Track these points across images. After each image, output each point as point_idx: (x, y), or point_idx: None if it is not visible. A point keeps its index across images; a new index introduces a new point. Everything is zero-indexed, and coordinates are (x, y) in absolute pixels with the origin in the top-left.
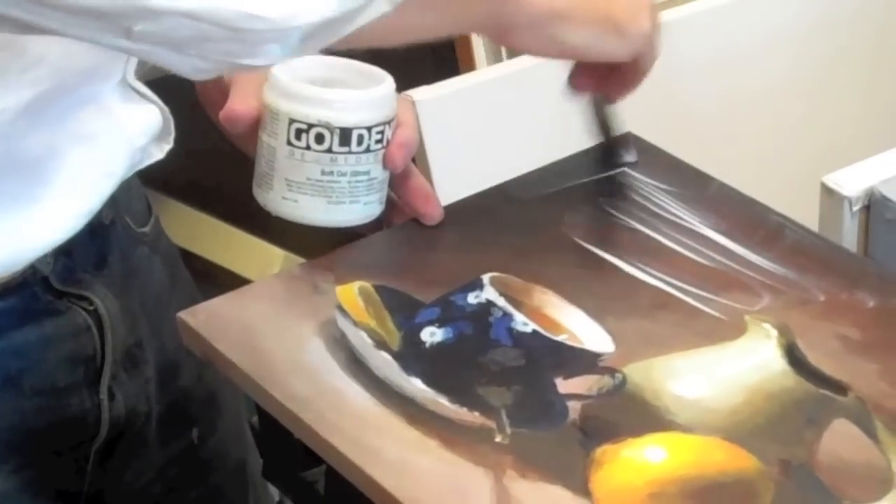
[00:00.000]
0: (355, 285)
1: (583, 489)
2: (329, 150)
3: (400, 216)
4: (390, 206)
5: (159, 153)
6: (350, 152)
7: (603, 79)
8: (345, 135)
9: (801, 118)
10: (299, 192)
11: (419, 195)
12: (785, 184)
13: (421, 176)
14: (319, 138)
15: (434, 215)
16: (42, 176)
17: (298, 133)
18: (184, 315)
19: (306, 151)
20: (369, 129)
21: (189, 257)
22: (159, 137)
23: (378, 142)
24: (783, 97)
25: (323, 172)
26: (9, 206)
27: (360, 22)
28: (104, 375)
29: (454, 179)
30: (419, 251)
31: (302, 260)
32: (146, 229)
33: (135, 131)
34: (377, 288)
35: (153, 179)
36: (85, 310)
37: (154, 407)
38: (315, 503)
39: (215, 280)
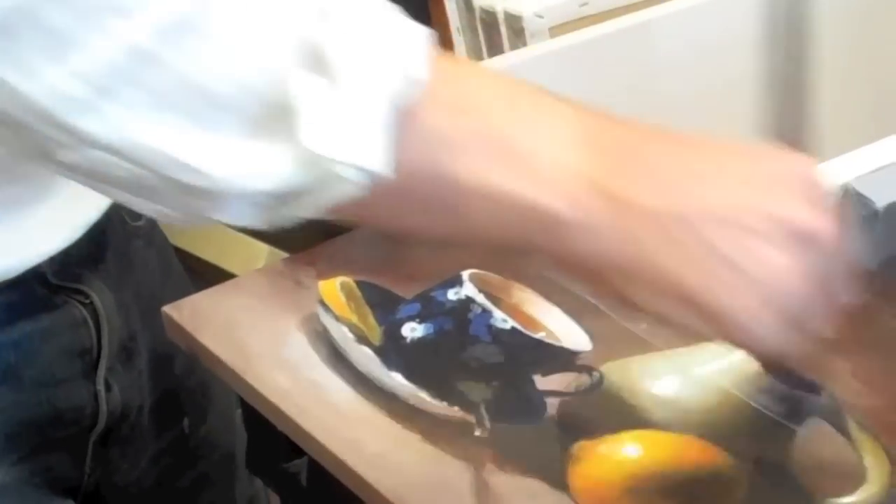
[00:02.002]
0: (337, 280)
1: (560, 482)
2: None
3: None
4: None
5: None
6: None
7: None
8: None
9: (775, 115)
10: None
11: None
12: None
13: None
14: None
15: None
16: (43, 188)
17: None
18: (168, 310)
19: None
20: None
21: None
22: None
23: None
24: (758, 94)
25: None
26: (12, 216)
27: (332, 198)
28: (101, 367)
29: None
30: (400, 247)
31: (286, 255)
32: (141, 223)
33: None
34: (359, 283)
35: None
36: (81, 303)
37: (147, 398)
38: (297, 494)
39: (200, 275)
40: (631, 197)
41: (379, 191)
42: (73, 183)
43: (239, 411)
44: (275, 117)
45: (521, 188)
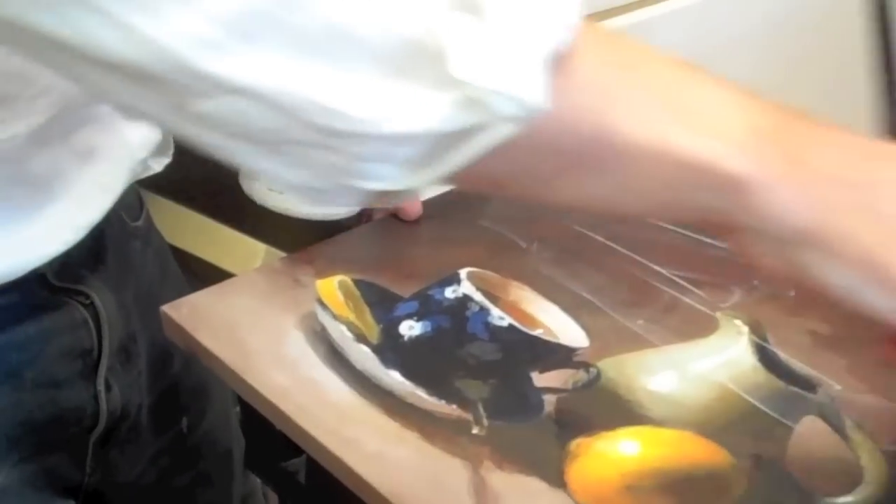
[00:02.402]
0: (335, 279)
1: (558, 481)
2: None
3: (379, 211)
4: None
5: (158, 166)
6: None
7: None
8: None
9: None
10: None
11: None
12: None
13: None
14: None
15: (412, 211)
16: (45, 191)
17: None
18: (167, 309)
19: None
20: None
21: (172, 251)
22: (159, 151)
23: None
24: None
25: None
26: (14, 219)
27: (481, 144)
28: (101, 368)
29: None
30: (398, 246)
31: (283, 254)
32: (139, 223)
33: (135, 146)
34: (356, 282)
35: None
36: (82, 304)
37: (146, 398)
38: (296, 493)
39: (198, 274)
40: (814, 157)
41: (533, 139)
42: (75, 185)
43: (237, 410)
44: (424, 59)
45: (697, 145)
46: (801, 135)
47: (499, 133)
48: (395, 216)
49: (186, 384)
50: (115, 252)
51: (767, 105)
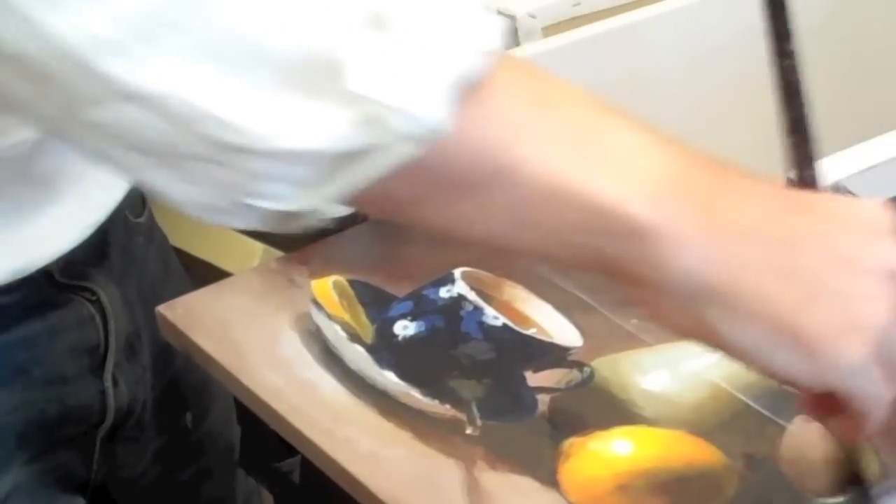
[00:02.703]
0: (330, 279)
1: (551, 480)
2: None
3: None
4: None
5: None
6: None
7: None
8: None
9: (768, 115)
10: None
11: None
12: None
13: None
14: None
15: None
16: (51, 191)
17: None
18: (162, 309)
19: None
20: None
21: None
22: None
23: None
24: (751, 95)
25: None
26: (20, 218)
27: (378, 165)
28: (108, 364)
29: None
30: (392, 246)
31: (280, 254)
32: (142, 219)
33: None
34: (351, 282)
35: None
36: (88, 300)
37: (150, 394)
38: (290, 493)
39: (195, 273)
40: (723, 209)
41: (434, 165)
42: (81, 184)
43: (238, 411)
44: (324, 74)
45: (604, 187)
46: (716, 185)
47: (397, 154)
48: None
49: (189, 380)
50: (118, 248)
51: (684, 152)
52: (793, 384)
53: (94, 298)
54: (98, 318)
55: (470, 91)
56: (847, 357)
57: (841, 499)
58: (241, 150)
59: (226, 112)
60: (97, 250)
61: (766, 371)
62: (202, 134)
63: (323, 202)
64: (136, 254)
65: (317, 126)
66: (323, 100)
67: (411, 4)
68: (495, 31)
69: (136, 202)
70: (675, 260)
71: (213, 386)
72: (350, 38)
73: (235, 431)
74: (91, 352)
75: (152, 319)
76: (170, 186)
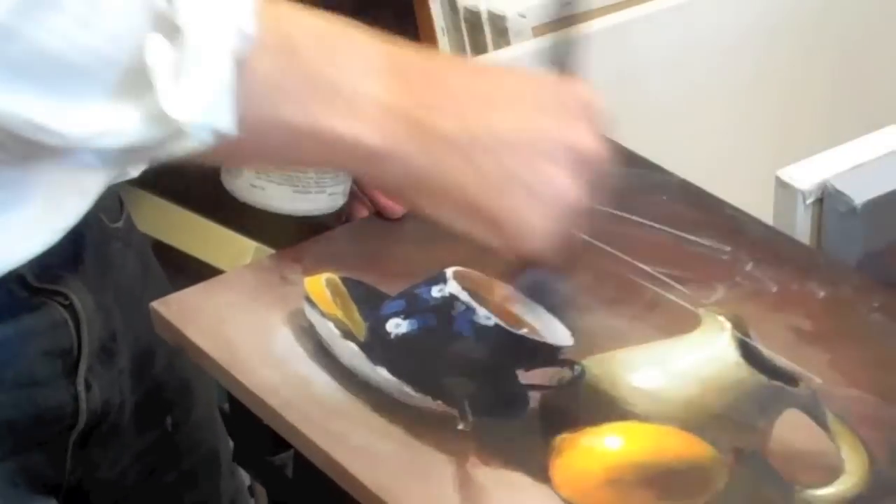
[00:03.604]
0: (323, 277)
1: (543, 475)
2: None
3: (361, 209)
4: (352, 198)
5: (134, 171)
6: None
7: None
8: None
9: (755, 116)
10: (267, 179)
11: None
12: (741, 179)
13: None
14: None
15: (396, 209)
16: (21, 195)
17: None
18: (156, 305)
19: None
20: None
21: (162, 248)
22: None
23: None
24: (739, 96)
25: None
26: None
27: (179, 152)
28: (81, 367)
29: None
30: (385, 245)
31: (272, 251)
32: (119, 224)
33: None
34: (344, 280)
35: None
36: (61, 304)
37: (128, 397)
38: (284, 487)
39: (187, 270)
40: (433, 124)
41: (222, 144)
42: (52, 188)
43: (226, 405)
44: (132, 82)
45: (340, 126)
46: (425, 98)
47: (191, 146)
48: (378, 215)
49: (171, 383)
50: (94, 253)
51: (397, 60)
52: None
53: (66, 303)
54: (71, 323)
55: (241, 70)
56: (530, 228)
57: (831, 490)
58: (55, 149)
59: (43, 120)
60: (72, 255)
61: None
62: (20, 136)
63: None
64: (112, 259)
65: (123, 127)
66: (129, 107)
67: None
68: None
69: (113, 207)
70: (393, 168)
71: (195, 389)
72: (147, 49)
73: (219, 435)
74: (63, 356)
75: (131, 323)
76: None
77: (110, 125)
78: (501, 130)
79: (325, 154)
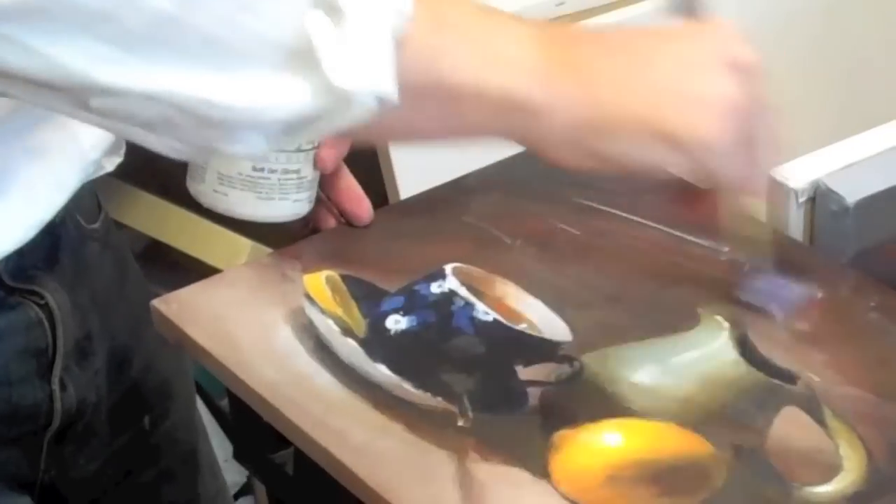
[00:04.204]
0: (322, 274)
1: (542, 472)
2: None
3: (327, 217)
4: (318, 206)
5: (110, 166)
6: (282, 150)
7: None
8: None
9: None
10: (230, 185)
11: (349, 196)
12: None
13: (352, 177)
14: None
15: (363, 217)
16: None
17: None
18: (157, 303)
19: None
20: None
21: (158, 246)
22: (111, 151)
23: (310, 142)
24: None
25: (254, 168)
26: None
27: (343, 122)
28: (56, 367)
29: (417, 173)
30: (384, 241)
31: (269, 250)
32: (96, 226)
33: (88, 146)
34: (343, 277)
35: (123, 171)
36: (37, 304)
37: (104, 397)
38: (284, 484)
39: (184, 269)
40: (591, 71)
41: (386, 110)
42: (27, 183)
43: (225, 402)
44: (298, 58)
45: (504, 82)
46: (578, 49)
47: (357, 115)
48: (348, 224)
49: (149, 383)
50: (70, 254)
51: (545, 28)
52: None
53: (42, 303)
54: (46, 322)
55: (400, 43)
56: (708, 135)
57: (830, 487)
58: (225, 122)
59: (215, 97)
60: (47, 255)
61: (649, 173)
62: (194, 114)
63: (285, 147)
64: (89, 260)
65: (290, 99)
66: (295, 79)
67: None
68: None
69: (91, 208)
70: (564, 118)
71: (173, 389)
72: (310, 27)
73: (199, 434)
74: (39, 355)
75: (107, 323)
76: (157, 144)
77: (278, 96)
78: (660, 60)
79: (487, 114)
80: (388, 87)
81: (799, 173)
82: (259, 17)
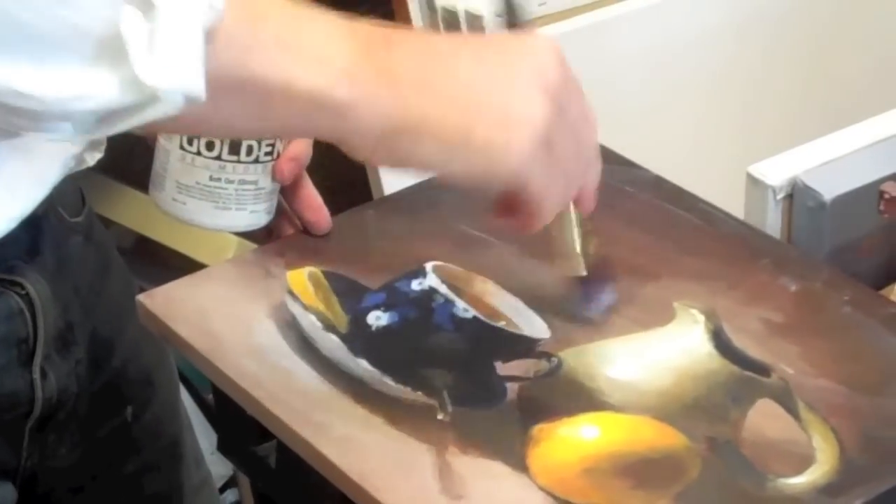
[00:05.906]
0: (305, 270)
1: (521, 465)
2: (218, 158)
3: (288, 226)
4: (279, 215)
5: (91, 161)
6: (239, 161)
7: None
8: (234, 144)
9: (727, 113)
10: (188, 195)
11: (308, 205)
12: (713, 175)
13: (312, 187)
14: (210, 145)
15: (322, 225)
16: None
17: (190, 138)
18: (142, 298)
19: (196, 157)
20: (259, 140)
21: (148, 242)
22: (92, 146)
23: (268, 154)
24: (711, 93)
25: (211, 178)
26: None
27: (154, 116)
28: (37, 356)
29: (402, 171)
30: (366, 239)
31: (255, 246)
32: (79, 219)
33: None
34: (326, 273)
35: (111, 167)
36: (18, 294)
37: (86, 387)
38: (267, 476)
39: (171, 264)
40: (399, 72)
41: (195, 106)
42: (7, 177)
43: (210, 396)
44: (108, 50)
45: (309, 80)
46: (391, 52)
47: (164, 110)
48: (305, 231)
49: (131, 375)
50: (52, 246)
51: (361, 28)
52: (477, 190)
53: (23, 293)
54: (27, 312)
55: (211, 37)
56: (515, 148)
57: (803, 479)
58: (33, 112)
59: (23, 86)
60: (29, 246)
61: (455, 181)
62: (3, 103)
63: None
64: (71, 252)
65: (99, 91)
66: (105, 72)
67: None
68: None
69: (74, 202)
70: (369, 119)
71: (155, 380)
72: (122, 20)
73: (182, 425)
74: (20, 344)
75: (90, 315)
76: None
77: (86, 89)
78: (468, 67)
79: (295, 111)
80: (196, 85)
81: (777, 170)
82: (73, 8)
